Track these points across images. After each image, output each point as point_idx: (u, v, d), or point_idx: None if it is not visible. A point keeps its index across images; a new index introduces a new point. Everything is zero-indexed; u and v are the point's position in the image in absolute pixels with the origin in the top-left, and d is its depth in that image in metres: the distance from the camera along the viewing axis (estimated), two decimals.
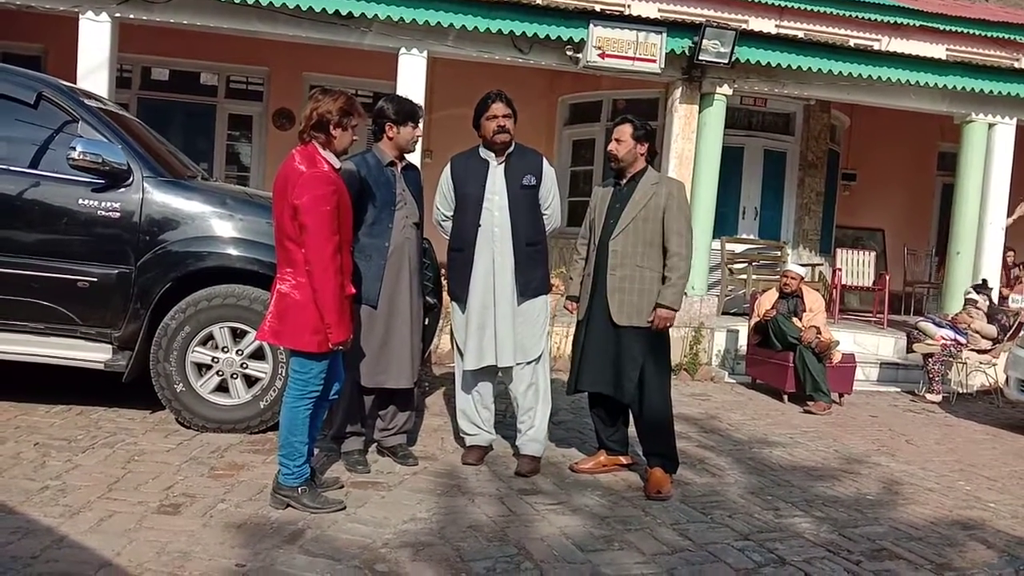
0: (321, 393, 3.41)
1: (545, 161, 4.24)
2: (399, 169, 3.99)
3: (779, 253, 9.93)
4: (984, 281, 8.92)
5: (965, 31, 12.26)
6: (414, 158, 7.22)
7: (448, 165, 4.27)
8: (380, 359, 3.90)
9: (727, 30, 7.95)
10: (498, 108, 4.06)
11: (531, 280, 4.15)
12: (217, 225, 4.35)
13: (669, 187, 4.10)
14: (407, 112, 3.96)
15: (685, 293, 4.52)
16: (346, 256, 3.38)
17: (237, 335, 4.33)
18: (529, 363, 4.18)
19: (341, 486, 3.67)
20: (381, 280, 3.86)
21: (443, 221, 4.32)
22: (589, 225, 4.28)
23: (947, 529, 3.88)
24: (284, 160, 3.34)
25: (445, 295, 4.49)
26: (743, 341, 8.10)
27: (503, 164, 4.13)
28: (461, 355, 4.27)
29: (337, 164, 3.39)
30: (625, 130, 4.09)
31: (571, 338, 4.74)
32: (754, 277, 9.22)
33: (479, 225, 4.10)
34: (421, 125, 4.01)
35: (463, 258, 4.15)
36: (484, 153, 4.17)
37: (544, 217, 4.24)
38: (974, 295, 8.38)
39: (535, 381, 4.22)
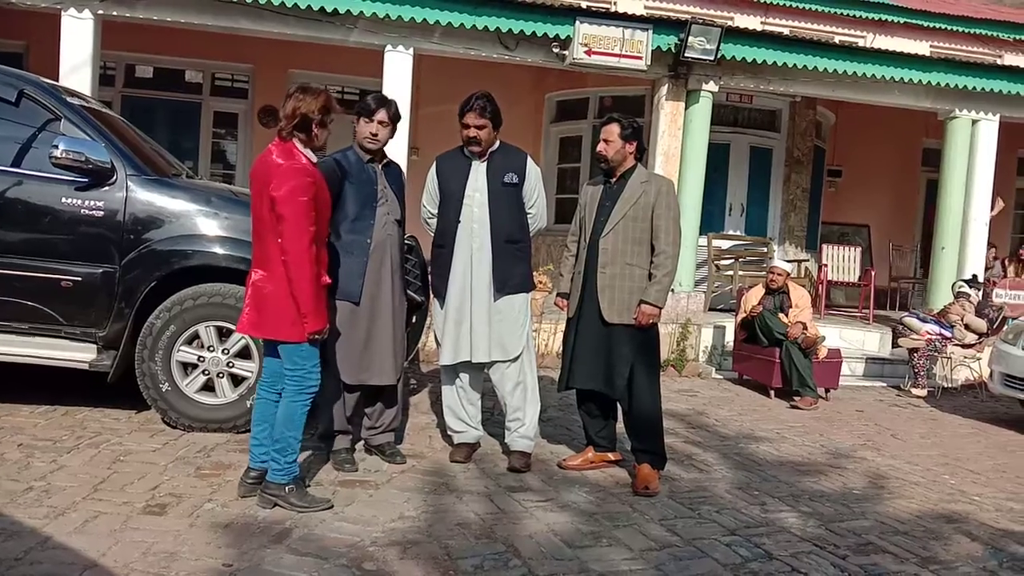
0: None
1: (529, 160, 4.23)
2: (380, 166, 3.98)
3: (765, 249, 9.96)
4: (974, 276, 8.99)
5: (948, 28, 12.34)
6: (400, 155, 7.22)
7: (434, 164, 4.28)
8: (363, 356, 3.89)
9: (713, 27, 7.97)
10: (470, 118, 4.03)
11: (510, 277, 4.13)
12: (202, 223, 4.32)
13: (658, 185, 4.11)
14: (360, 106, 3.95)
15: (672, 290, 4.52)
16: (322, 249, 3.39)
17: (223, 334, 4.30)
18: (515, 361, 4.17)
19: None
20: (363, 276, 3.84)
21: (429, 219, 4.31)
22: (579, 223, 4.28)
23: (932, 522, 3.91)
24: (261, 154, 3.37)
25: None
26: (730, 337, 8.13)
27: (485, 162, 4.13)
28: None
29: (315, 159, 3.43)
30: (613, 130, 4.09)
31: (560, 335, 4.74)
32: (740, 273, 9.25)
33: (459, 221, 4.10)
34: (377, 119, 3.87)
35: (444, 254, 4.15)
36: (468, 151, 4.17)
37: (529, 216, 4.22)
38: (967, 288, 8.44)
39: (522, 380, 4.21)
